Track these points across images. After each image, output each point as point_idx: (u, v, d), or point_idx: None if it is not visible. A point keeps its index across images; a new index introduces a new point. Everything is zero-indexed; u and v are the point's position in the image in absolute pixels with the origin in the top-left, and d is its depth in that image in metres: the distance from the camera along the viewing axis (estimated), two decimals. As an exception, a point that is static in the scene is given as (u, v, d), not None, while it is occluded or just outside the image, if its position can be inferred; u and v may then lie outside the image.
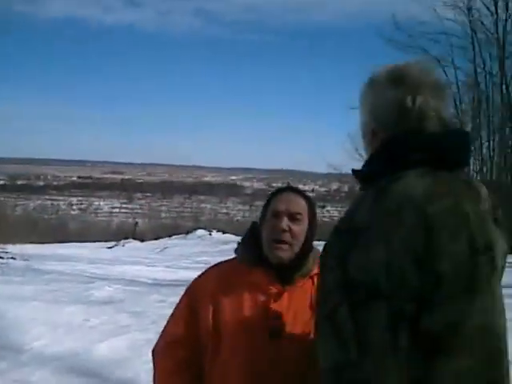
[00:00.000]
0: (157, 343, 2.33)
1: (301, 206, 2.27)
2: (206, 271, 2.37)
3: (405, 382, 1.46)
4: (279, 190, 2.35)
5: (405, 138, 1.70)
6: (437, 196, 1.53)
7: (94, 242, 26.33)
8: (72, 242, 25.77)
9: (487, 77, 25.54)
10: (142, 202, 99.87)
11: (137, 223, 38.29)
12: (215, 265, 2.39)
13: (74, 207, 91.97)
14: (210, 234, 25.82)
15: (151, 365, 2.32)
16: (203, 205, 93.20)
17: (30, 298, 8.65)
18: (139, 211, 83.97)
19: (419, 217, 1.49)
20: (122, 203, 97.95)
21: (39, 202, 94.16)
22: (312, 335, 2.00)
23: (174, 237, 27.02)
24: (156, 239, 26.35)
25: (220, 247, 20.39)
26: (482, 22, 24.80)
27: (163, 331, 2.34)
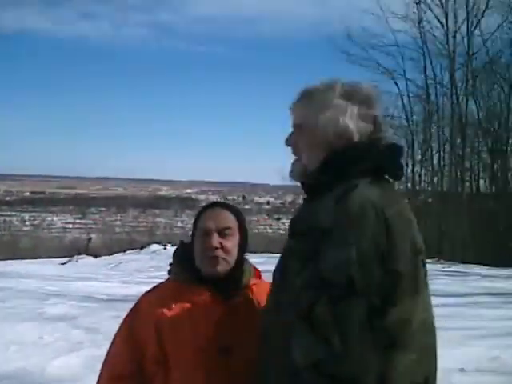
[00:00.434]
0: (99, 378, 2.25)
1: (229, 220, 2.28)
2: (143, 297, 2.32)
3: (377, 376, 1.56)
4: (206, 207, 2.35)
5: (354, 150, 1.84)
6: (389, 202, 1.71)
7: (47, 258, 26.02)
8: (25, 258, 25.36)
9: (438, 88, 26.15)
10: (96, 216, 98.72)
11: (90, 239, 37.86)
12: (152, 289, 2.34)
13: (27, 223, 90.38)
14: (165, 248, 25.64)
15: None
16: (158, 219, 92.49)
17: (-18, 315, 8.45)
18: (93, 226, 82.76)
19: (380, 218, 1.63)
20: (75, 218, 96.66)
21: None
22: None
23: (128, 252, 26.81)
24: (110, 254, 26.09)
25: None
26: (433, 34, 25.39)
27: (105, 365, 2.26)
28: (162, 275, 2.36)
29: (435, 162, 26.12)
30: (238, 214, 2.34)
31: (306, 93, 1.93)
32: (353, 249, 1.59)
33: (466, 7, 24.05)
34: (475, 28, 24.33)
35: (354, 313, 1.56)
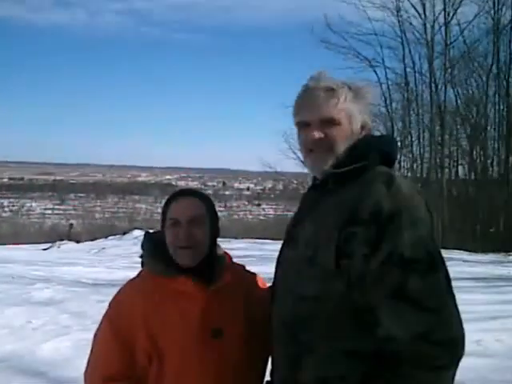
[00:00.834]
0: (90, 381, 2.19)
1: (198, 208, 2.26)
2: (123, 292, 2.28)
3: None
4: (174, 196, 2.31)
5: (375, 140, 2.07)
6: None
7: (29, 243, 25.90)
8: (5, 244, 25.25)
9: (417, 76, 26.32)
10: (75, 202, 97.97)
11: (71, 224, 37.63)
12: (130, 284, 2.30)
13: (6, 209, 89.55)
14: (148, 235, 25.62)
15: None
16: (138, 205, 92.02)
17: (-31, 301, 8.49)
18: (72, 212, 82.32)
19: (424, 201, 1.88)
20: (54, 204, 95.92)
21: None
22: (251, 325, 2.22)
23: (110, 237, 26.74)
24: (92, 240, 26.08)
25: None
26: (410, 23, 25.49)
27: (95, 365, 2.19)
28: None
29: (414, 148, 26.35)
30: (207, 200, 2.32)
31: (338, 88, 2.00)
32: (423, 227, 1.78)
33: (443, -4, 24.26)
34: (452, 17, 24.52)
35: (441, 282, 1.75)
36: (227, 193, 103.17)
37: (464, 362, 1.77)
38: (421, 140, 26.13)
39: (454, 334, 1.73)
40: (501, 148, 24.34)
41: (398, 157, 26.91)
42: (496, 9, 23.62)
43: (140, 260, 2.34)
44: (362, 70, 25.82)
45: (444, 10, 24.32)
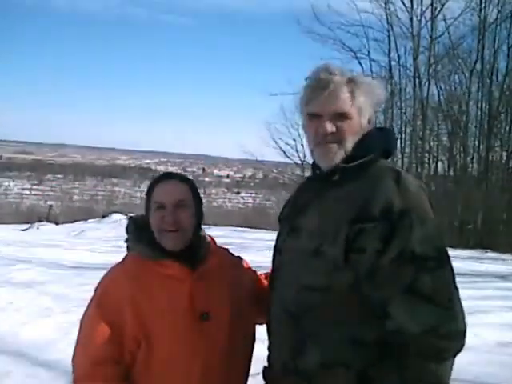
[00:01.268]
0: (79, 366, 2.15)
1: (183, 191, 2.26)
2: (110, 276, 2.26)
3: None
4: (158, 179, 2.30)
5: (381, 133, 2.12)
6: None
7: (6, 224, 25.70)
8: (-18, 223, 25.07)
9: (401, 70, 26.35)
10: (53, 183, 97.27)
11: (51, 206, 37.31)
12: (117, 268, 2.28)
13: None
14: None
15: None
16: (117, 188, 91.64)
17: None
18: (51, 193, 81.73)
19: (428, 198, 1.94)
20: (32, 184, 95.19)
21: None
22: (238, 307, 2.25)
23: (90, 220, 26.63)
24: (71, 222, 25.92)
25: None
26: (397, 16, 25.51)
27: (84, 349, 2.15)
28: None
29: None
30: (192, 184, 2.32)
31: (350, 82, 2.03)
32: (431, 224, 1.85)
33: (431, -9, 24.33)
34: (439, 13, 24.58)
35: (450, 278, 1.83)
36: (207, 179, 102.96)
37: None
38: (402, 134, 26.24)
39: (460, 327, 1.81)
40: (481, 145, 24.49)
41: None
42: (482, 6, 23.70)
43: (125, 244, 2.33)
44: (348, 61, 25.78)
45: (431, 4, 24.32)
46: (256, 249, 12.54)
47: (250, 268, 2.54)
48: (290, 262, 2.06)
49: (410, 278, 1.78)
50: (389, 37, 25.83)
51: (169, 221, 2.19)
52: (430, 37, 24.65)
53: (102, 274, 2.30)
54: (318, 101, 2.01)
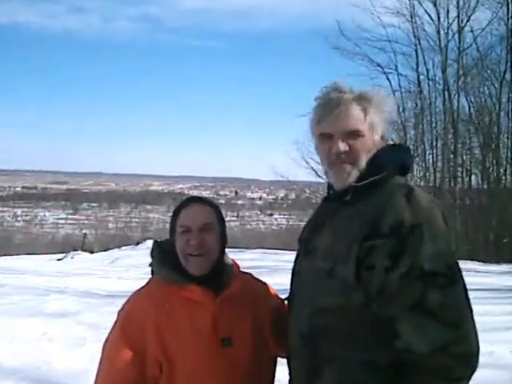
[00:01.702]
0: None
1: (209, 215, 2.27)
2: (134, 300, 2.26)
3: None
4: (184, 203, 2.31)
5: (395, 150, 2.09)
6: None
7: (42, 254, 26.00)
8: (19, 254, 25.38)
9: (430, 84, 26.19)
10: (88, 212, 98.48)
11: (85, 235, 37.68)
12: (141, 293, 2.29)
13: (19, 218, 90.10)
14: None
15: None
16: (151, 214, 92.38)
17: (-16, 312, 8.53)
18: (86, 222, 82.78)
19: (442, 213, 1.88)
20: (67, 214, 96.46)
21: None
22: (260, 333, 2.24)
23: (123, 248, 26.82)
24: (105, 250, 26.13)
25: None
26: (424, 30, 25.41)
27: (107, 372, 2.16)
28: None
29: (427, 157, 26.22)
30: (216, 207, 2.33)
31: (360, 99, 2.00)
32: (442, 240, 1.79)
33: (457, 3, 24.17)
34: (466, 24, 24.45)
35: (460, 296, 1.77)
36: (239, 202, 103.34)
37: (476, 374, 1.78)
38: (434, 149, 26.00)
39: (471, 347, 1.74)
40: (514, 157, 24.17)
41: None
42: (510, 15, 23.46)
43: (150, 269, 2.34)
44: (376, 76, 25.74)
45: (458, 16, 24.25)
46: (287, 271, 12.42)
47: (274, 293, 2.50)
48: (305, 283, 2.04)
49: (418, 295, 1.73)
50: (416, 50, 25.78)
51: (194, 244, 2.18)
52: (458, 49, 24.53)
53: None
54: (329, 120, 1.98)
